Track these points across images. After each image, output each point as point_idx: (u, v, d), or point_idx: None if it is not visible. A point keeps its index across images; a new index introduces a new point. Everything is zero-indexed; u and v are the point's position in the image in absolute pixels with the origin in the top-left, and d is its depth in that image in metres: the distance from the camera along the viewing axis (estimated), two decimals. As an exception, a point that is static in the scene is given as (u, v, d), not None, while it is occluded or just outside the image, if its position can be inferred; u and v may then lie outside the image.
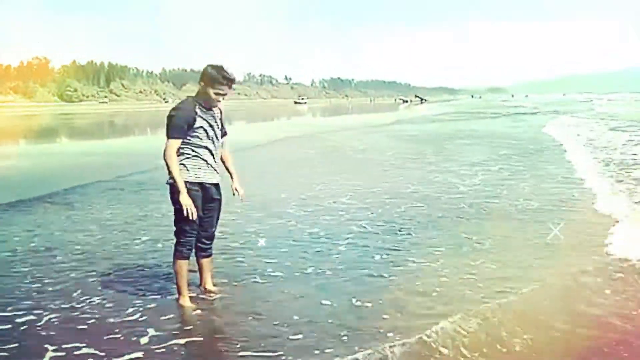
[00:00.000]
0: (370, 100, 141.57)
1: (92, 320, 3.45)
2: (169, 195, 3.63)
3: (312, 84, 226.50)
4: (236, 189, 3.89)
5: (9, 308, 3.65)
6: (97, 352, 3.03)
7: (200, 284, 3.97)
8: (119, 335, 3.24)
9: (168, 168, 3.53)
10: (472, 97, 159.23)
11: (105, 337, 3.20)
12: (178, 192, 3.51)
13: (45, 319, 3.48)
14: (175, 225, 3.68)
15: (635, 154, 11.45)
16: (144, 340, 3.18)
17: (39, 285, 4.08)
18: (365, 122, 28.39)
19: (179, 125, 3.52)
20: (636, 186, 7.67)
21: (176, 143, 3.54)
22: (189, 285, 3.79)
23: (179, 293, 3.75)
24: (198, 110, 3.56)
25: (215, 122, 3.67)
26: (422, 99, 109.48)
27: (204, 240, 3.81)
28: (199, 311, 3.64)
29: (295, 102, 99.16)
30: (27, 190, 8.18)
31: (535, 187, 7.95)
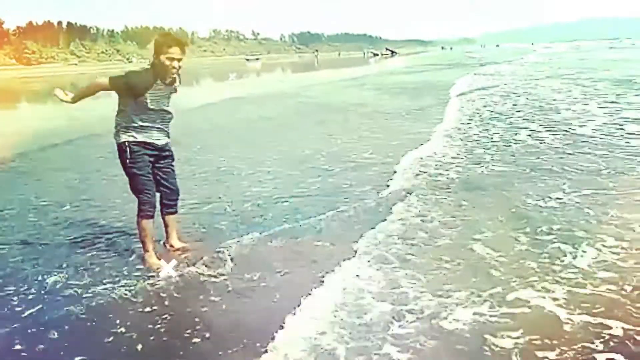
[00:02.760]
0: (338, 54, 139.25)
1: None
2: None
3: (281, 39, 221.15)
4: None
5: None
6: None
7: (166, 241, 4.12)
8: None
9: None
10: (443, 48, 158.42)
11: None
12: (123, 152, 3.70)
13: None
14: (130, 186, 3.82)
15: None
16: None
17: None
18: (328, 80, 28.14)
19: (128, 83, 3.61)
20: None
21: (108, 86, 3.67)
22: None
23: (144, 250, 3.87)
24: (156, 84, 3.64)
25: (161, 99, 3.73)
26: (392, 52, 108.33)
27: (168, 196, 3.98)
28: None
29: (247, 60, 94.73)
30: None
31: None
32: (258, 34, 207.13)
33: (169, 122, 3.89)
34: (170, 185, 3.98)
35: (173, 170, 4.01)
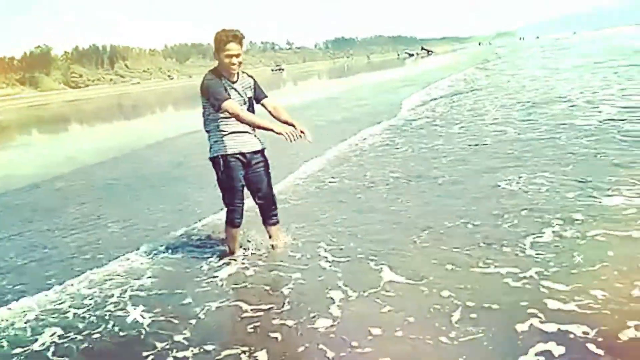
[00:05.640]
0: (368, 58, 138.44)
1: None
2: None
3: (315, 46, 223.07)
4: (302, 132, 3.51)
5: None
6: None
7: (274, 247, 4.04)
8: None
9: (253, 125, 3.58)
10: (480, 44, 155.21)
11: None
12: (219, 164, 3.64)
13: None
14: (222, 196, 3.80)
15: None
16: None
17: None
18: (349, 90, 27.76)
19: (219, 89, 3.51)
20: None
21: (231, 102, 3.50)
22: None
23: (230, 252, 3.99)
24: (223, 81, 3.58)
25: (240, 94, 3.66)
26: (428, 52, 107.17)
27: (264, 207, 3.91)
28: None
29: (272, 70, 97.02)
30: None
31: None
32: (292, 43, 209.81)
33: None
34: (265, 195, 3.88)
35: (267, 177, 3.87)
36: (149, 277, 3.89)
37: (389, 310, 2.99)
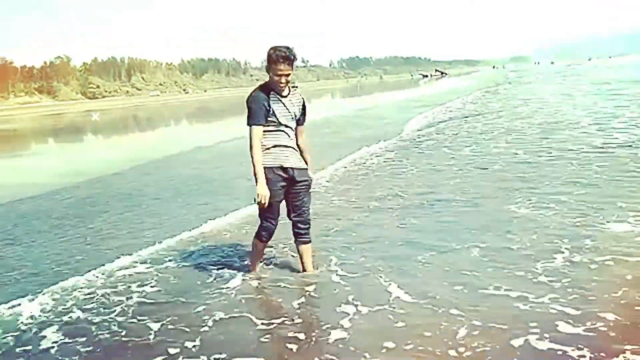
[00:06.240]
0: (380, 78, 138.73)
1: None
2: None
3: (330, 65, 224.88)
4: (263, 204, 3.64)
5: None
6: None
7: (303, 270, 3.95)
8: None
9: (252, 162, 3.57)
10: (494, 67, 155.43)
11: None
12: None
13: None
14: (258, 210, 3.76)
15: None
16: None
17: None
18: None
19: (256, 112, 3.57)
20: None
21: (257, 129, 3.57)
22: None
23: (251, 268, 4.00)
24: (270, 96, 3.60)
25: (288, 109, 3.67)
26: (442, 73, 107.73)
27: (299, 225, 3.82)
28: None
29: None
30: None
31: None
32: (307, 61, 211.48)
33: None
34: (301, 213, 3.82)
35: (307, 198, 3.84)
36: (155, 284, 3.98)
37: (397, 325, 3.04)
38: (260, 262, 4.12)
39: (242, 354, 2.88)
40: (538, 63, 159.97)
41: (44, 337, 3.28)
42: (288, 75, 3.58)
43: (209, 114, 37.11)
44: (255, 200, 3.58)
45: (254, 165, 3.56)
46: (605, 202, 5.15)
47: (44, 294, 3.89)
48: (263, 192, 3.53)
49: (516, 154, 8.31)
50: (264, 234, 3.80)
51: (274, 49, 3.54)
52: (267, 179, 3.58)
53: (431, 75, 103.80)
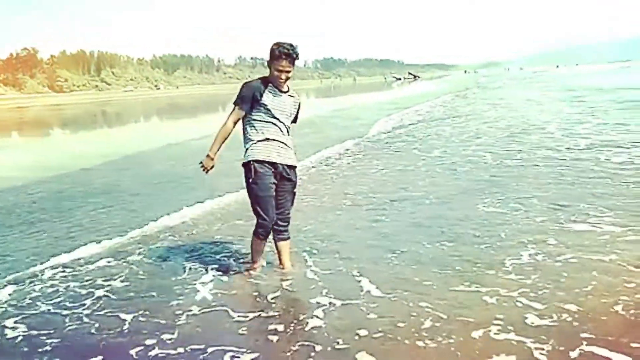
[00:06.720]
0: (354, 80, 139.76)
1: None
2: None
3: (305, 65, 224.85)
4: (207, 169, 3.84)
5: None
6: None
7: (280, 266, 3.96)
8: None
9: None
10: (466, 72, 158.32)
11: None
12: (251, 170, 3.61)
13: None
14: (251, 206, 3.74)
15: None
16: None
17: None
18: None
19: (243, 96, 3.60)
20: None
21: (236, 112, 3.65)
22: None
23: (252, 262, 3.94)
24: (269, 88, 3.60)
25: (286, 105, 3.67)
26: (414, 76, 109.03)
27: (279, 222, 3.80)
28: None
29: None
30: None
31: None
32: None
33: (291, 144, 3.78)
34: (283, 210, 3.82)
35: (291, 197, 3.85)
36: (124, 278, 3.98)
37: (369, 316, 3.14)
38: (235, 259, 4.15)
39: (221, 344, 2.92)
40: (508, 69, 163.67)
41: (5, 327, 3.24)
42: (289, 72, 3.59)
43: (180, 111, 36.63)
44: (200, 164, 3.74)
45: (215, 138, 3.68)
46: (568, 202, 5.38)
47: (5, 287, 3.84)
48: (207, 164, 3.72)
49: (484, 156, 8.56)
50: (260, 231, 3.78)
51: (278, 44, 3.54)
52: (257, 172, 3.61)
53: (404, 78, 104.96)
